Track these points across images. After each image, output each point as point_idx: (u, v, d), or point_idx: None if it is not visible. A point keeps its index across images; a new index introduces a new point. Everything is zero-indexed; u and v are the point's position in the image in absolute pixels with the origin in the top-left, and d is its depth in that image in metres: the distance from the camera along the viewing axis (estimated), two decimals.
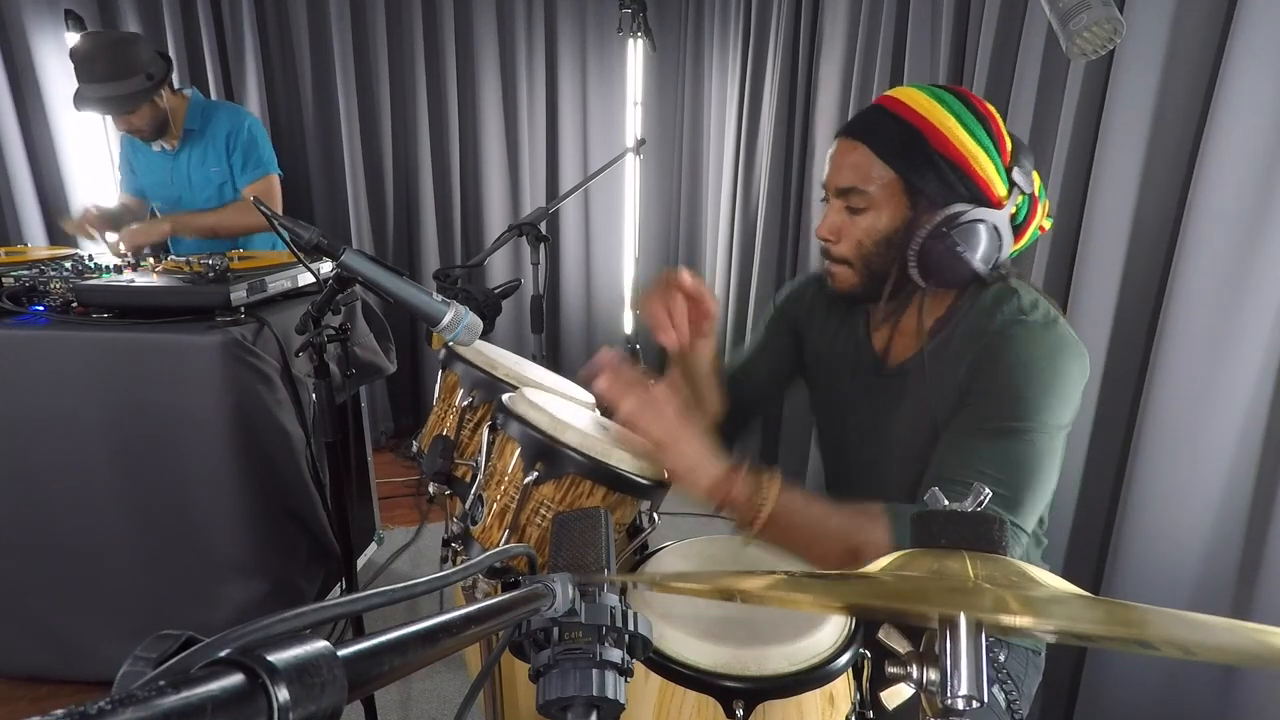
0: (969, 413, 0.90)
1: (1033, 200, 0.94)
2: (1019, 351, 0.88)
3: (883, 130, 0.92)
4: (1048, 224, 1.00)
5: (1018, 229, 0.95)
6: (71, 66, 2.00)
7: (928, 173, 0.89)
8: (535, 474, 0.81)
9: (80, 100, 2.02)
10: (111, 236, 2.19)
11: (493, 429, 0.92)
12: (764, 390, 1.24)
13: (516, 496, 0.83)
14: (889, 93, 0.96)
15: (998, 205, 0.90)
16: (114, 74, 1.99)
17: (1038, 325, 0.90)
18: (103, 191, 2.79)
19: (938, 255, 0.90)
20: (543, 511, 0.82)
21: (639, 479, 0.82)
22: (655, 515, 0.90)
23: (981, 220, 0.89)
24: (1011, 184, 0.91)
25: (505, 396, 0.90)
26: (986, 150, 0.89)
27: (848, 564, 0.84)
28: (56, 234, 2.85)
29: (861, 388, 1.07)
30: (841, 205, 0.96)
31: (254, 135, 2.30)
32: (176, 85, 2.26)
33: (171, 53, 2.77)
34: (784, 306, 1.22)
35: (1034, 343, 0.88)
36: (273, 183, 2.35)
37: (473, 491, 0.91)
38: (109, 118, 2.17)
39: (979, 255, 0.90)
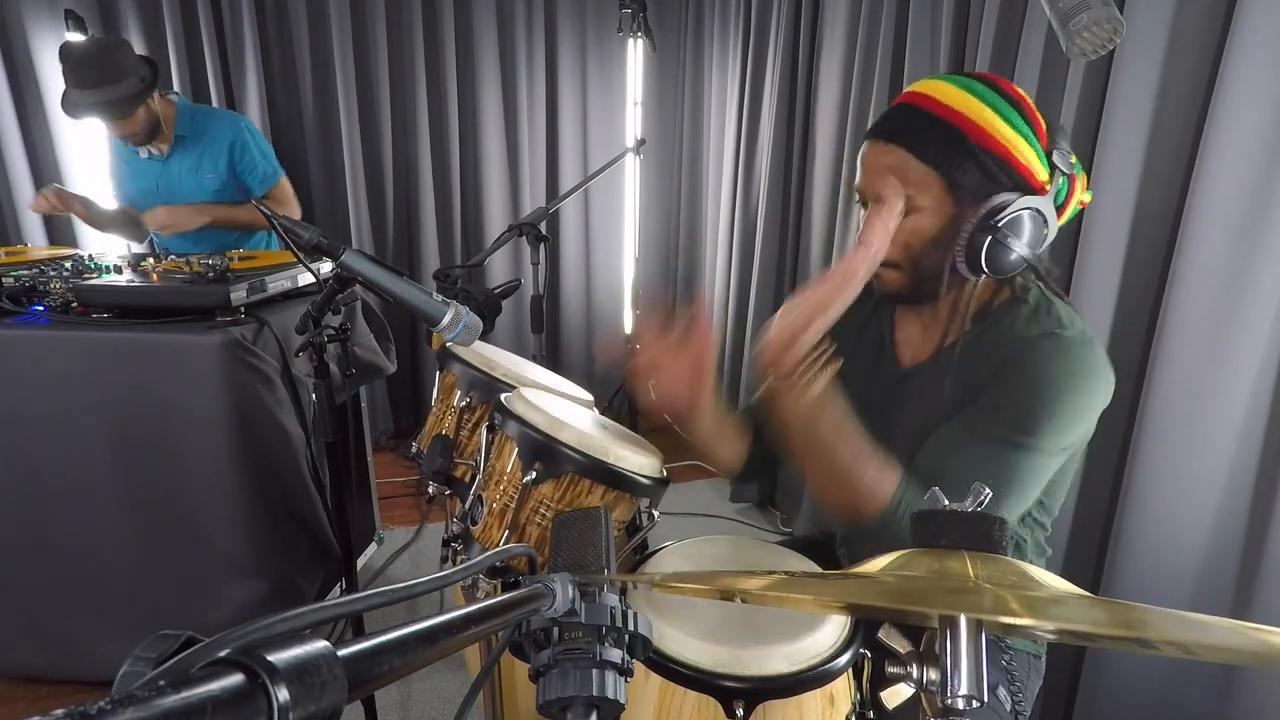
0: (979, 410, 0.89)
1: (1071, 178, 0.93)
2: (1047, 366, 0.86)
3: (919, 130, 0.90)
4: (1088, 197, 0.98)
5: (1059, 209, 0.94)
6: (63, 73, 1.98)
7: (970, 168, 0.87)
8: (534, 473, 0.81)
9: (74, 107, 1.99)
10: (81, 219, 2.18)
11: (491, 429, 0.92)
12: None
13: (516, 496, 0.83)
14: (916, 88, 0.93)
15: (1041, 191, 0.89)
16: (108, 79, 1.96)
17: (1074, 341, 0.88)
18: (100, 190, 2.78)
19: (986, 248, 0.88)
20: (542, 510, 0.82)
21: (637, 476, 0.83)
22: (654, 512, 0.90)
23: (1027, 208, 0.88)
24: (1052, 167, 0.89)
25: (503, 396, 0.90)
26: (1026, 137, 0.88)
27: (842, 496, 0.87)
28: (56, 234, 2.85)
29: (877, 388, 1.06)
30: None
31: (257, 142, 2.31)
32: (161, 90, 2.23)
33: (171, 54, 2.77)
34: None
35: (1066, 359, 0.87)
36: (285, 184, 2.38)
37: (472, 491, 0.91)
38: (103, 123, 2.16)
39: (1026, 243, 0.89)
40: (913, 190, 0.89)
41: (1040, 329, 0.90)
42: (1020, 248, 0.88)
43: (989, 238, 0.88)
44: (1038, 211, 0.88)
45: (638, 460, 0.84)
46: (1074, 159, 0.93)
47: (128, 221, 2.33)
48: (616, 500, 0.84)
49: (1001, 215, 0.87)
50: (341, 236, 2.28)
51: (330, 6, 2.89)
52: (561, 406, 0.92)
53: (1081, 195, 0.96)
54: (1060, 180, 0.91)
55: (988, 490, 0.55)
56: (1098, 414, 0.90)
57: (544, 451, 0.81)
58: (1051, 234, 0.92)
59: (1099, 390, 0.88)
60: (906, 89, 0.96)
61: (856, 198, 0.98)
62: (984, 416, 0.89)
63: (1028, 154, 0.88)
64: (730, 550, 0.97)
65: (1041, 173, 0.89)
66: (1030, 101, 0.90)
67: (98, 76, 1.96)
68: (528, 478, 0.81)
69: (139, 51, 2.23)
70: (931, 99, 0.90)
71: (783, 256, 2.77)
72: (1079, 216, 1.42)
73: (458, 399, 1.06)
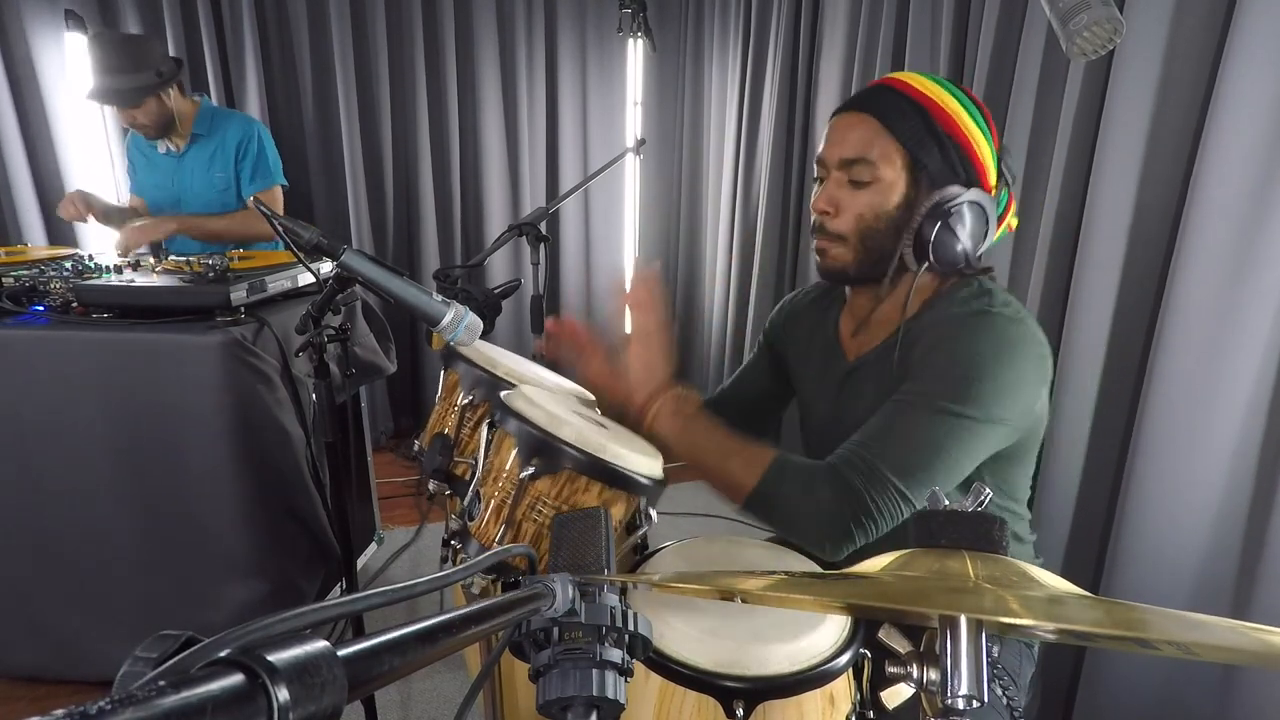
0: (913, 384, 0.91)
1: (1010, 194, 0.97)
2: (975, 338, 0.89)
3: (891, 104, 0.92)
4: (1014, 223, 1.01)
5: (998, 219, 0.97)
6: (71, 63, 2.03)
7: (933, 150, 0.90)
8: (531, 469, 0.81)
9: (91, 91, 2.05)
10: (98, 224, 2.20)
11: (491, 426, 0.92)
12: (752, 412, 1.25)
13: (513, 492, 0.83)
14: (890, 75, 0.97)
15: (988, 192, 0.92)
16: (123, 67, 2.02)
17: (1002, 318, 0.90)
18: (100, 189, 2.78)
19: (934, 236, 0.90)
20: (539, 507, 0.82)
21: (635, 475, 0.82)
22: (653, 511, 0.90)
23: (977, 202, 0.90)
24: (1000, 174, 0.93)
25: (503, 393, 0.90)
26: (986, 136, 0.91)
27: (721, 490, 0.94)
28: (56, 234, 2.85)
29: (829, 384, 1.09)
30: (843, 178, 0.94)
31: (263, 145, 2.33)
32: (189, 91, 2.28)
33: (171, 53, 2.77)
34: (768, 328, 1.25)
35: (993, 333, 0.89)
36: (277, 193, 2.39)
37: (471, 487, 0.91)
38: (114, 114, 2.20)
39: (970, 238, 0.91)
40: (876, 159, 0.91)
41: (970, 308, 0.92)
42: (965, 239, 0.91)
43: (938, 224, 0.90)
44: (983, 208, 0.91)
45: (636, 459, 0.84)
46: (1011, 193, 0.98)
47: (132, 217, 2.34)
48: (614, 498, 0.83)
49: (953, 203, 0.90)
50: (341, 236, 2.28)
51: (330, 6, 2.89)
52: (561, 404, 0.92)
53: (1011, 218, 1.00)
54: (1003, 190, 0.95)
55: (988, 491, 0.55)
56: (1036, 389, 0.91)
57: (542, 448, 0.81)
58: (989, 239, 0.94)
59: (1027, 363, 0.89)
60: (883, 76, 0.99)
61: (815, 172, 1.00)
62: (912, 388, 0.90)
63: (985, 152, 0.91)
64: (730, 550, 0.97)
65: (993, 175, 0.93)
66: (989, 113, 0.94)
67: (113, 64, 2.01)
68: (525, 474, 0.81)
69: None
70: (904, 82, 0.94)
71: (783, 256, 2.77)
72: (1079, 216, 1.43)
73: (460, 397, 1.06)
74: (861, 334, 1.04)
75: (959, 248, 0.91)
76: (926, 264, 0.92)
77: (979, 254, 0.94)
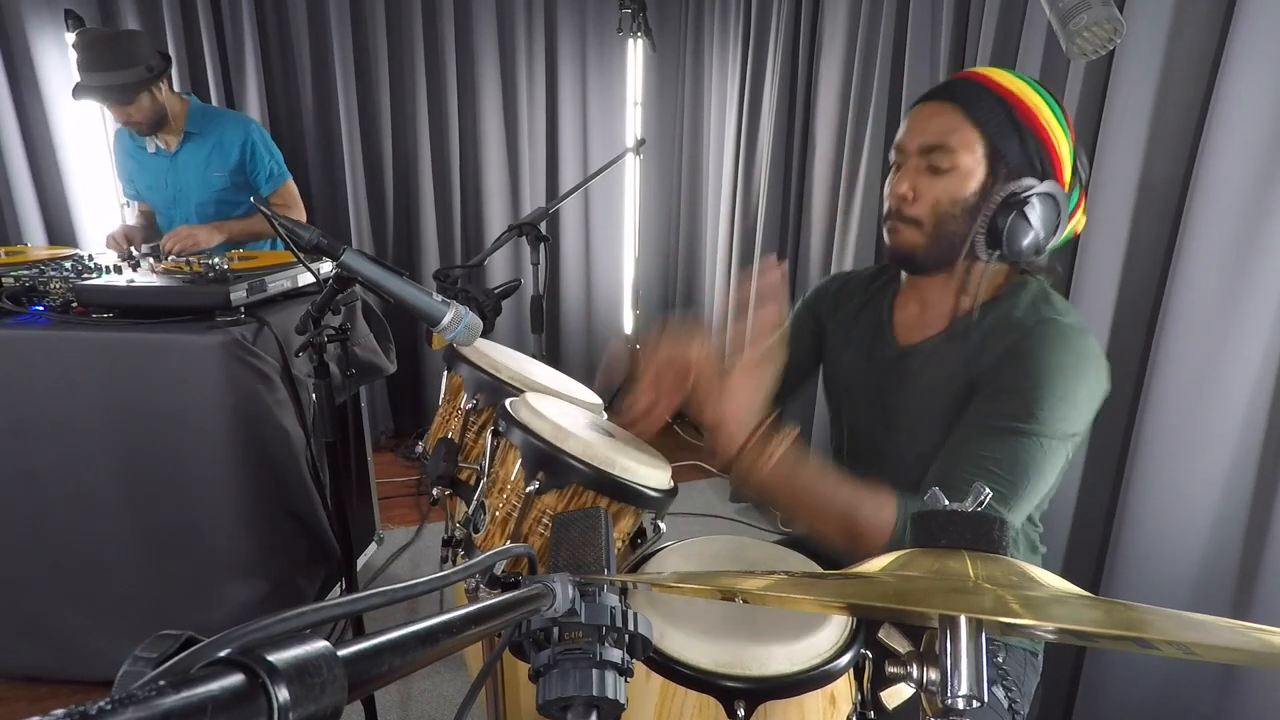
0: (985, 405, 0.91)
1: (1082, 191, 0.96)
2: (1047, 352, 0.89)
3: (974, 95, 0.93)
4: (1081, 225, 1.00)
5: (1069, 214, 0.97)
6: (72, 63, 2.03)
7: (1013, 140, 0.90)
8: (537, 483, 0.80)
9: (79, 90, 2.04)
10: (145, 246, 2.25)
11: (496, 434, 0.91)
12: (784, 378, 1.22)
13: (519, 505, 0.82)
14: (974, 70, 0.97)
15: (1063, 188, 0.93)
16: (114, 64, 2.01)
17: (1071, 329, 0.90)
18: (100, 190, 2.80)
19: (1007, 225, 0.90)
20: (545, 520, 0.81)
21: (643, 489, 0.82)
22: (660, 524, 0.89)
23: (1051, 195, 0.91)
24: (1075, 170, 0.94)
25: (508, 402, 0.89)
26: (1065, 134, 0.92)
27: (847, 541, 0.87)
28: (56, 234, 2.85)
29: (875, 367, 1.08)
30: (921, 164, 0.95)
31: (267, 145, 2.35)
32: (176, 88, 2.28)
33: (171, 54, 2.77)
34: (810, 300, 1.24)
35: (1064, 345, 0.89)
36: (292, 186, 2.43)
37: (475, 498, 0.90)
38: (108, 113, 2.20)
39: (1043, 229, 0.91)
40: (957, 146, 0.92)
41: (1039, 316, 0.92)
42: (1038, 229, 0.91)
43: (1012, 213, 0.90)
44: (1056, 202, 0.91)
45: (644, 471, 0.82)
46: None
47: (152, 224, 2.40)
48: (622, 512, 0.83)
49: (1028, 193, 0.90)
50: (341, 236, 2.28)
51: (330, 6, 2.89)
52: (567, 413, 0.91)
53: (1080, 217, 0.99)
54: (1076, 188, 0.95)
55: (988, 490, 0.55)
56: (1098, 402, 0.91)
57: (548, 461, 0.80)
58: (1060, 232, 0.94)
59: (1096, 375, 0.90)
60: (967, 70, 0.99)
61: (893, 156, 0.99)
62: (989, 411, 0.90)
63: (1063, 148, 0.92)
64: (731, 550, 0.97)
65: (1068, 171, 0.93)
66: (1069, 114, 0.94)
67: (104, 61, 2.00)
68: (531, 487, 0.80)
69: None
70: (987, 76, 0.94)
71: (782, 256, 2.77)
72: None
73: (464, 401, 1.05)
74: (917, 320, 1.04)
75: (1031, 238, 0.91)
76: (998, 253, 0.92)
77: (1047, 248, 0.94)
